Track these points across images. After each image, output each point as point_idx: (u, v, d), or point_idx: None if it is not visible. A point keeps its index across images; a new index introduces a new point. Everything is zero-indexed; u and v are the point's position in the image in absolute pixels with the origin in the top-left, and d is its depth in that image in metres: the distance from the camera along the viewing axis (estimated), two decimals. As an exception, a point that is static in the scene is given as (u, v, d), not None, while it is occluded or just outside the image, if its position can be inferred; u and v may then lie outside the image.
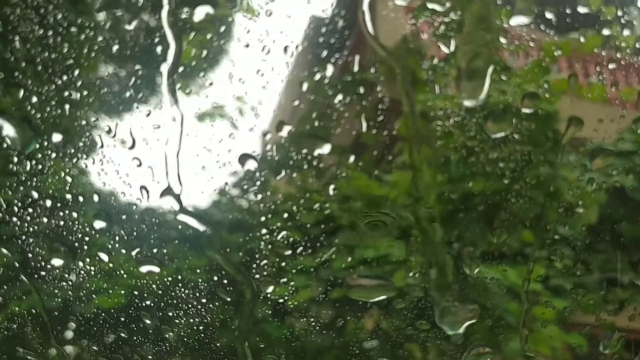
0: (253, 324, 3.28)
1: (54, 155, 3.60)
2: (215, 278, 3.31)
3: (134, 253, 3.46)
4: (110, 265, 3.17)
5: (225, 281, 3.39)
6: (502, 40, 2.50)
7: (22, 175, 3.47)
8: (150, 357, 3.58)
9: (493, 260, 3.21)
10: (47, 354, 3.53)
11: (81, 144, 4.08)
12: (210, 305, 3.33)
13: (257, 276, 3.34)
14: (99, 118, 6.35)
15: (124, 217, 3.63)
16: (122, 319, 3.32)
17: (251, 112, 4.46)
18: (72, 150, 3.95)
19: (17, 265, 3.22)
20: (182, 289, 3.28)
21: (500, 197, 2.45)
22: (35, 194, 3.38)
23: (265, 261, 3.39)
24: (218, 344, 3.45)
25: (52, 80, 4.41)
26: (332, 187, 3.95)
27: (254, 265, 3.38)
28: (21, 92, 4.19)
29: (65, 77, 4.47)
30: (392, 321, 3.24)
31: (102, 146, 4.59)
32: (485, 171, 2.36)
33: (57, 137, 3.75)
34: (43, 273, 3.25)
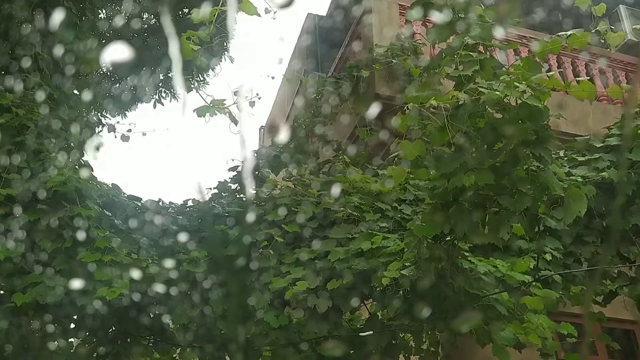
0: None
1: (56, 150, 3.67)
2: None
3: (137, 246, 3.53)
4: (113, 258, 3.24)
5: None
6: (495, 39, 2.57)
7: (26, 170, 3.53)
8: (151, 346, 3.66)
9: (485, 251, 3.30)
10: (50, 345, 3.60)
11: (83, 139, 4.14)
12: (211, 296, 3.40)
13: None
14: (101, 114, 6.39)
15: (126, 211, 3.70)
16: (125, 310, 3.39)
17: (249, 107, 4.52)
18: (75, 146, 4.01)
19: (21, 257, 3.28)
20: (183, 281, 3.35)
21: (491, 190, 2.53)
22: (39, 188, 3.44)
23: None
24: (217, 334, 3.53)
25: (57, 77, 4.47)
26: (328, 181, 4.02)
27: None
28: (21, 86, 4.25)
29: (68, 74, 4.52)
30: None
31: (104, 142, 4.64)
32: (477, 165, 2.43)
33: (60, 132, 3.82)
34: (47, 265, 3.32)
